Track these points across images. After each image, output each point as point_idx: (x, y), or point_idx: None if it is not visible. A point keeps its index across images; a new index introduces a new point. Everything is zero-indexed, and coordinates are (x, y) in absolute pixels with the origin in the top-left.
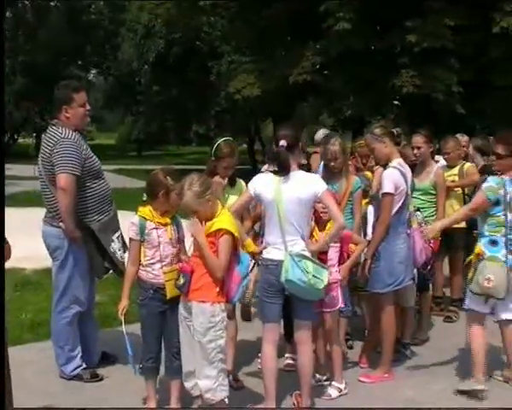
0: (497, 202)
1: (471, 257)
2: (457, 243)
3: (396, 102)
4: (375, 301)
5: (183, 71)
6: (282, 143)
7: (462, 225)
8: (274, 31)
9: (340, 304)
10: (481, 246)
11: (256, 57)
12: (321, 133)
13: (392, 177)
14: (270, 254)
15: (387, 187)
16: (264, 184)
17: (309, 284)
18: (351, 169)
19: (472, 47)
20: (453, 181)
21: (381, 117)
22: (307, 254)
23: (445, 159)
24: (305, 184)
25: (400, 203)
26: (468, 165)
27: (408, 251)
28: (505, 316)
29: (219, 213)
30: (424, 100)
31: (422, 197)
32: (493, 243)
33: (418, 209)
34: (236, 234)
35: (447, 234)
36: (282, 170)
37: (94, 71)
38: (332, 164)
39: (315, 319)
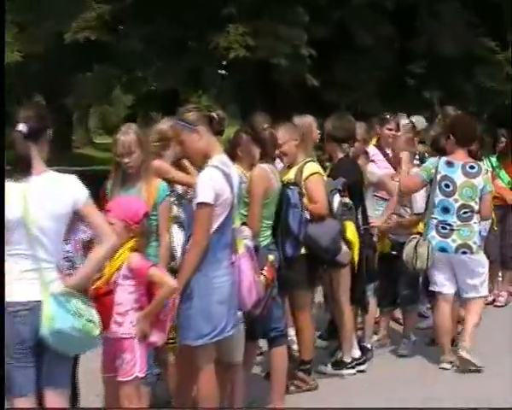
0: (430, 182)
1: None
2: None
3: (221, 71)
4: (187, 357)
5: None
6: (21, 127)
7: None
8: None
9: (138, 370)
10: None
11: (14, 6)
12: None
13: (212, 181)
14: (19, 293)
15: (204, 195)
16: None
17: (85, 331)
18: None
19: None
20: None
21: (201, 92)
22: (71, 289)
23: (278, 156)
24: (58, 191)
25: (222, 218)
26: (310, 167)
27: (232, 287)
28: (463, 294)
29: None
30: (261, 67)
31: None
32: (426, 225)
33: (244, 224)
34: None
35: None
36: (22, 170)
37: None
38: (125, 161)
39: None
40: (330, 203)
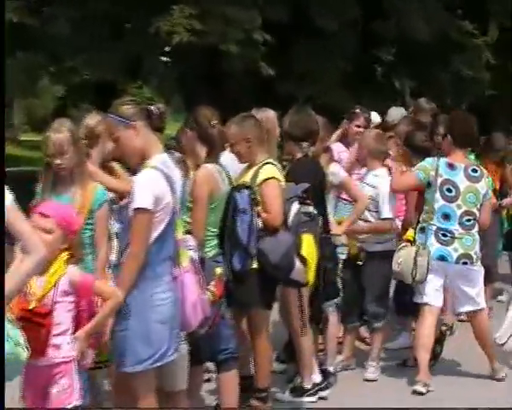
0: (428, 185)
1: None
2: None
3: (164, 59)
4: (124, 385)
5: None
6: None
7: None
8: None
9: (76, 398)
10: (415, 233)
11: None
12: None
13: (151, 184)
14: None
15: (142, 200)
16: None
17: (14, 355)
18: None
19: None
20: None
21: (141, 82)
22: None
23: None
24: None
25: (163, 226)
26: (266, 171)
27: (174, 305)
28: (457, 308)
29: None
30: (209, 55)
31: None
32: (422, 230)
33: (189, 232)
34: None
35: None
36: None
37: None
38: (57, 162)
39: None
40: (286, 213)
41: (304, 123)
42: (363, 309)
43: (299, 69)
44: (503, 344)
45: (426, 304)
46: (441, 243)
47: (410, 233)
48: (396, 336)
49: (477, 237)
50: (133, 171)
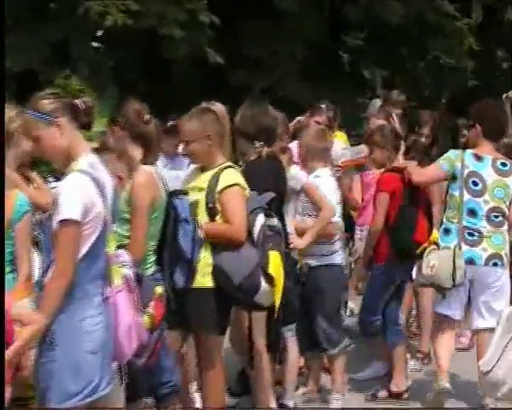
0: (453, 178)
1: (424, 245)
2: None
3: (95, 44)
4: None
5: None
6: None
7: None
8: None
9: None
10: (438, 234)
11: None
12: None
13: (79, 190)
14: None
15: (68, 210)
16: None
17: None
18: None
19: None
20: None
21: (68, 71)
22: None
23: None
24: None
25: (93, 239)
26: (228, 176)
27: (106, 331)
28: (478, 324)
29: None
30: (148, 39)
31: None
32: (446, 231)
33: (122, 246)
34: None
35: None
36: None
37: None
38: None
39: None
40: (251, 226)
41: (258, 118)
42: (314, 334)
43: (252, 56)
44: (487, 372)
45: (447, 317)
46: (468, 244)
47: (435, 234)
48: (364, 365)
49: (507, 236)
50: (56, 176)
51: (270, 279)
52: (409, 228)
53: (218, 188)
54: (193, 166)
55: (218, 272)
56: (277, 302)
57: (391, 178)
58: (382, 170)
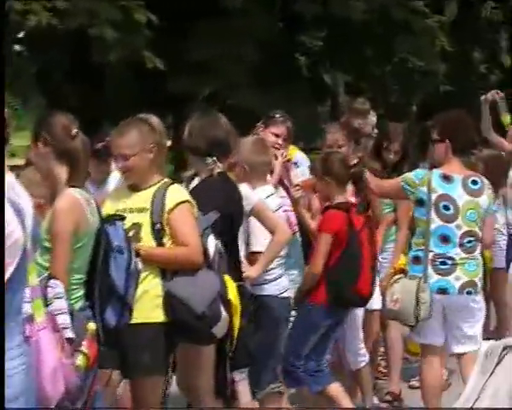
0: (419, 202)
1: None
2: None
3: (17, 47)
4: None
5: None
6: None
7: None
8: None
9: None
10: (405, 260)
11: None
12: None
13: None
14: None
15: None
16: None
17: None
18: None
19: None
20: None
21: None
22: None
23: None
24: None
25: (12, 269)
26: (175, 193)
27: (27, 374)
28: (455, 350)
29: None
30: (77, 41)
31: None
32: (416, 259)
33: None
34: None
35: None
36: None
37: None
38: None
39: None
40: (205, 248)
41: (208, 131)
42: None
43: (196, 59)
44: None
45: (428, 346)
46: (440, 273)
47: (402, 260)
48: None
49: (480, 260)
50: None
51: (229, 307)
52: (349, 276)
53: (167, 206)
54: (113, 186)
55: (174, 301)
56: (235, 332)
57: (335, 216)
58: (327, 204)
